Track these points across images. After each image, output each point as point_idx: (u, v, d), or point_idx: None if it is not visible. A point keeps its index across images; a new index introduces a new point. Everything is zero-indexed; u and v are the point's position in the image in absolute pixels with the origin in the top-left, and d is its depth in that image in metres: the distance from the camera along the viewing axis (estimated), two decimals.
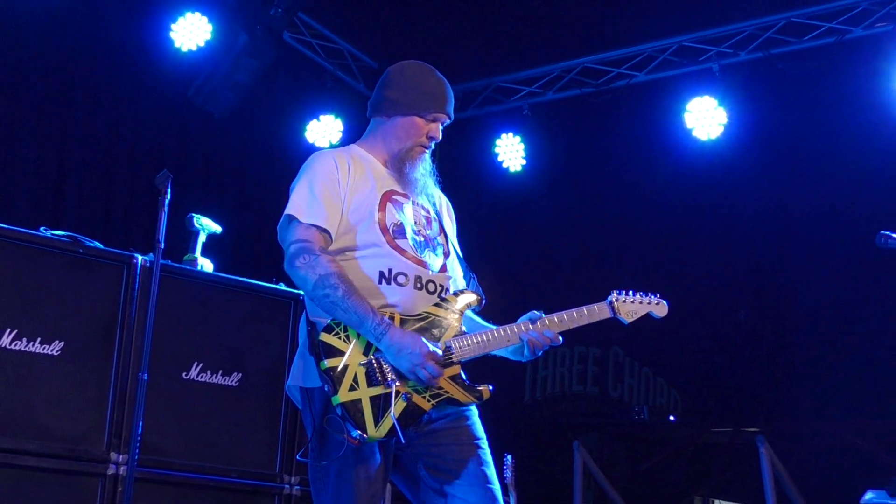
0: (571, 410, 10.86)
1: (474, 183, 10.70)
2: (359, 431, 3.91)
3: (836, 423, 8.90)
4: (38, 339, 5.67)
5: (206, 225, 6.56)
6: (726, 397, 10.32)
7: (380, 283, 4.16)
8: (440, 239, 4.43)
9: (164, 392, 5.99)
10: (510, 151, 10.24)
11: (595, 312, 4.36)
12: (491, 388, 4.16)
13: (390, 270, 4.18)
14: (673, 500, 10.10)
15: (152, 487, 5.91)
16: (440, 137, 4.43)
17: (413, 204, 4.39)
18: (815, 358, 10.35)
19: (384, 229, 4.23)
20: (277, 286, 6.60)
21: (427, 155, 4.46)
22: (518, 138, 10.22)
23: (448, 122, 4.47)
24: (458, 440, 4.18)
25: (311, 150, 9.43)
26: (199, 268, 6.43)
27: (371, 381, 3.98)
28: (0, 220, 5.81)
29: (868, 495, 6.80)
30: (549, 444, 9.07)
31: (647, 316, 4.46)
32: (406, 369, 3.96)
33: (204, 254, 6.53)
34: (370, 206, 4.25)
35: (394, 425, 3.93)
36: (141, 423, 5.43)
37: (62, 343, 5.74)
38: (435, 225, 4.43)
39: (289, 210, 4.21)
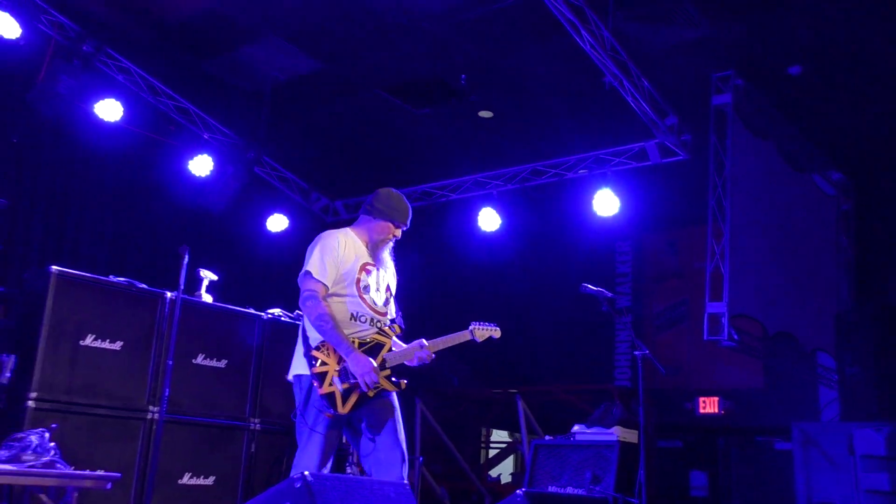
0: (415, 380, 10.85)
1: (460, 238, 10.18)
2: (333, 409, 3.96)
3: (558, 385, 9.14)
4: (108, 340, 5.58)
5: (208, 275, 6.50)
6: (499, 371, 10.49)
7: (350, 319, 4.13)
8: (387, 293, 4.33)
9: (181, 370, 5.91)
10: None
11: (460, 337, 4.25)
12: (406, 381, 4.17)
13: (357, 312, 4.15)
14: (470, 429, 10.21)
15: (173, 426, 5.83)
16: (400, 237, 4.34)
17: (377, 271, 4.28)
18: (547, 352, 10.64)
19: (358, 287, 4.17)
20: (248, 310, 6.57)
21: (392, 244, 4.36)
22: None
23: (406, 228, 4.34)
24: (383, 409, 4.14)
25: (271, 235, 9.47)
26: (203, 300, 6.38)
27: (342, 380, 3.99)
28: (88, 272, 5.72)
29: (575, 427, 7.00)
30: (401, 400, 9.06)
31: (490, 337, 4.29)
32: (358, 375, 3.97)
33: (207, 292, 6.48)
34: (353, 271, 4.17)
35: (353, 405, 4.00)
36: (167, 389, 5.40)
37: (122, 342, 5.65)
38: (384, 285, 4.32)
39: (308, 267, 4.05)
